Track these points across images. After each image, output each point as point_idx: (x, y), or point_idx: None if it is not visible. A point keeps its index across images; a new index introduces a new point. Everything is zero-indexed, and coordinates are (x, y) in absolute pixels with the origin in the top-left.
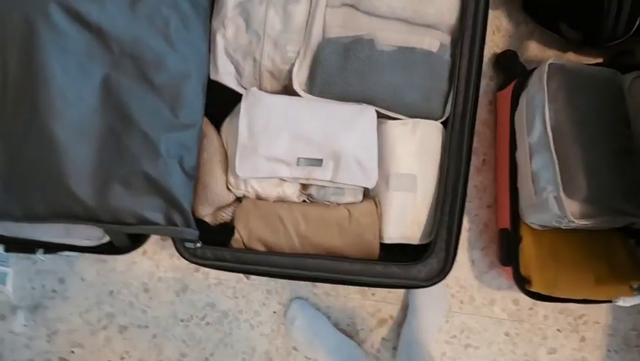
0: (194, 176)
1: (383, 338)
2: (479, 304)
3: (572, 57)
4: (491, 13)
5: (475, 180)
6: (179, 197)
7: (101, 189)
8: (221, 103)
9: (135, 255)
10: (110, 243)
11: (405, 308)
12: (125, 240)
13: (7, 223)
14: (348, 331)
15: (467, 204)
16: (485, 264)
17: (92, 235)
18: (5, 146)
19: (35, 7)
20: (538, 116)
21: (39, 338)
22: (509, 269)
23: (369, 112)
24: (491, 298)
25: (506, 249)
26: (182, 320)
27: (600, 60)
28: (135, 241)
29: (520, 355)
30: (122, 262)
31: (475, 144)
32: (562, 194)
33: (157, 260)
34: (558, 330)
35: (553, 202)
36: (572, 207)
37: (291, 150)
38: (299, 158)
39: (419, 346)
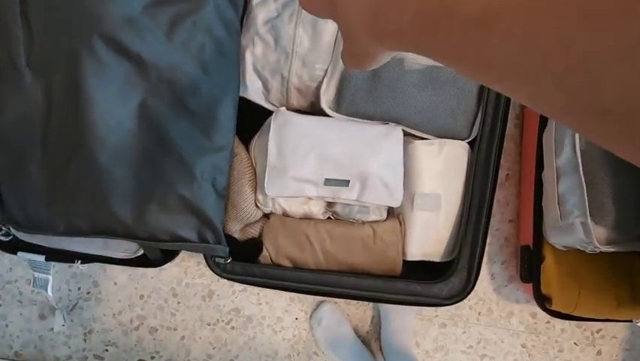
0: (225, 195)
1: None
2: (497, 317)
3: None
4: None
5: (498, 195)
6: (212, 216)
7: (138, 209)
8: (248, 118)
9: None
10: (143, 255)
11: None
12: (159, 254)
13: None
14: (366, 338)
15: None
16: (505, 278)
17: (128, 248)
18: (51, 167)
19: (80, 39)
20: (568, 139)
21: (76, 337)
22: (529, 285)
23: (396, 132)
24: (509, 311)
25: (528, 266)
26: (208, 324)
27: None
28: (167, 255)
29: None
30: (152, 269)
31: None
32: (589, 220)
33: (185, 267)
34: (575, 343)
35: (580, 228)
36: (599, 233)
37: (318, 171)
38: (326, 178)
39: (397, 348)
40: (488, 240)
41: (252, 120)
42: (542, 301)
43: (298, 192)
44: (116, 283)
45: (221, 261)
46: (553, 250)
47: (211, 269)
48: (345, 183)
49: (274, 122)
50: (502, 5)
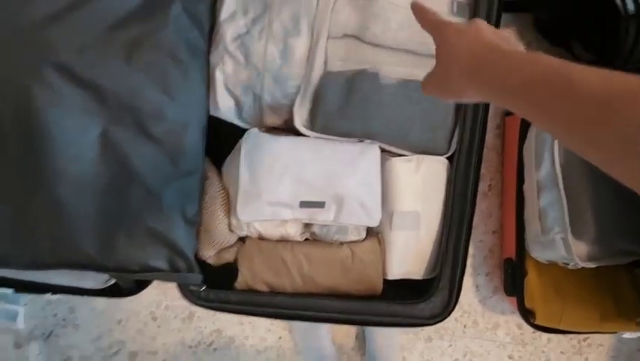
0: (197, 221)
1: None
2: (483, 328)
3: None
4: None
5: (481, 206)
6: (183, 245)
7: (105, 241)
8: (221, 137)
9: None
10: (115, 284)
11: None
12: (131, 283)
13: None
14: (351, 355)
15: (472, 230)
16: (489, 289)
17: (99, 277)
18: (12, 203)
19: (31, 70)
20: (547, 153)
21: None
22: (514, 298)
23: (373, 150)
24: (495, 322)
25: (511, 280)
26: (190, 346)
27: None
28: (141, 283)
29: None
30: None
31: (481, 170)
32: (569, 236)
33: (163, 289)
34: (561, 352)
35: (561, 243)
36: (580, 249)
37: (293, 193)
38: (301, 201)
39: None
40: (472, 252)
41: (226, 139)
42: (527, 315)
43: (273, 216)
44: (93, 308)
45: (196, 289)
46: (536, 263)
47: (185, 298)
48: (321, 204)
49: (245, 145)
50: (625, 90)
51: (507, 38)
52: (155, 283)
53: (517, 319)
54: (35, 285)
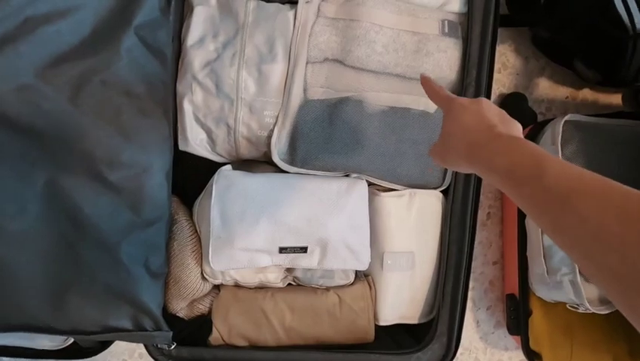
0: (164, 272)
1: None
2: None
3: (587, 94)
4: (496, 49)
5: (480, 236)
6: (147, 301)
7: (56, 302)
8: (192, 171)
9: None
10: (75, 343)
11: None
12: (93, 342)
13: None
14: None
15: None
16: (491, 324)
17: (55, 337)
18: None
19: None
20: None
21: None
22: (517, 336)
23: (359, 186)
24: (498, 360)
25: (514, 318)
26: None
27: (618, 95)
28: (104, 342)
29: None
30: None
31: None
32: (579, 279)
33: (128, 342)
34: None
35: (569, 287)
36: (590, 293)
37: (271, 239)
38: (280, 247)
39: None
40: (472, 285)
41: (199, 175)
42: (532, 357)
43: (250, 263)
44: None
45: (165, 347)
46: (541, 303)
47: (153, 358)
48: (303, 250)
49: (216, 186)
50: (583, 192)
51: (507, 121)
52: None
53: (521, 355)
54: None
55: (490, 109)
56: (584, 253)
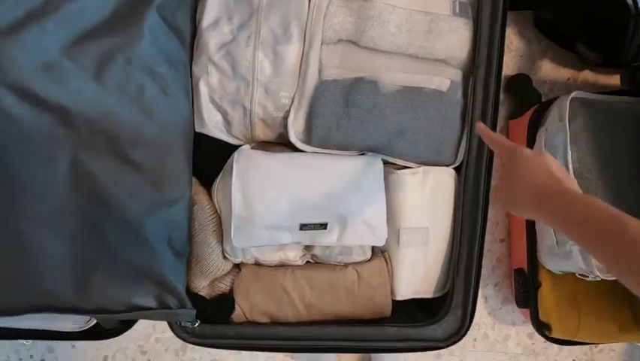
0: (187, 251)
1: None
2: (493, 341)
3: (588, 76)
4: None
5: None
6: (171, 279)
7: (80, 282)
8: (209, 155)
9: None
10: (97, 325)
11: None
12: (116, 323)
13: None
14: None
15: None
16: (499, 300)
17: (78, 318)
18: None
19: None
20: (560, 158)
21: None
22: (525, 309)
23: (375, 165)
24: (505, 334)
25: (523, 292)
26: None
27: (618, 76)
28: (126, 322)
29: None
30: None
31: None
32: None
33: (152, 321)
34: (573, 360)
35: (578, 256)
36: None
37: (291, 216)
38: (301, 224)
39: None
40: None
41: (215, 157)
42: (541, 328)
43: (271, 241)
44: (74, 346)
45: (188, 325)
46: (549, 275)
47: (177, 335)
48: (323, 226)
49: (236, 165)
50: None
51: (569, 176)
52: None
53: (528, 329)
54: (4, 331)
55: (553, 163)
56: None
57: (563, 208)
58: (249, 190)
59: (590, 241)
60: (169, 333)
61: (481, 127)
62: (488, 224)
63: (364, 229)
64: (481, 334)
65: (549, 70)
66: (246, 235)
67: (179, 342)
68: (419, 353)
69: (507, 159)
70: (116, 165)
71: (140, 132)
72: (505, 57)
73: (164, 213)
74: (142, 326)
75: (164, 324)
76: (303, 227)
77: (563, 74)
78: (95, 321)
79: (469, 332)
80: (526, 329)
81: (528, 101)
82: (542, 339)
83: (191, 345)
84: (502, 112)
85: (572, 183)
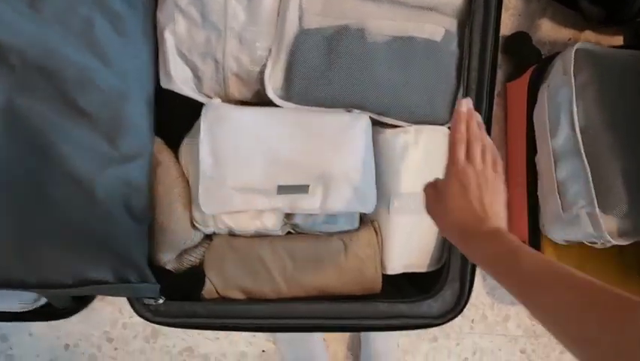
0: (148, 218)
1: None
2: (492, 322)
3: (590, 36)
4: None
5: None
6: (130, 249)
7: (21, 251)
8: (178, 115)
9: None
10: (48, 305)
11: None
12: (67, 301)
13: None
14: None
15: None
16: None
17: (25, 297)
18: None
19: None
20: (564, 116)
21: None
22: None
23: (362, 121)
24: (505, 315)
25: None
26: None
27: (620, 36)
28: (80, 301)
29: None
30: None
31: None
32: (597, 210)
33: (119, 304)
34: None
35: (587, 220)
36: (610, 224)
37: (268, 176)
38: (279, 186)
39: None
40: None
41: (183, 117)
42: None
43: (245, 206)
44: (31, 334)
45: (152, 302)
46: (552, 247)
47: (139, 315)
48: (304, 189)
49: (205, 120)
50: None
51: (496, 213)
52: (109, 298)
53: None
54: None
55: (486, 196)
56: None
57: (477, 247)
58: (220, 147)
59: (498, 280)
60: (138, 318)
61: (460, 111)
62: None
63: (351, 194)
64: (480, 315)
65: (549, 30)
66: (216, 199)
67: (149, 328)
68: (413, 338)
69: (447, 176)
70: (61, 112)
71: (89, 75)
72: (502, 16)
73: (119, 171)
74: (108, 310)
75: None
76: (282, 190)
77: (564, 34)
78: (42, 301)
79: (467, 313)
80: (526, 310)
81: (527, 61)
82: None
83: (163, 332)
84: (500, 76)
85: (495, 217)
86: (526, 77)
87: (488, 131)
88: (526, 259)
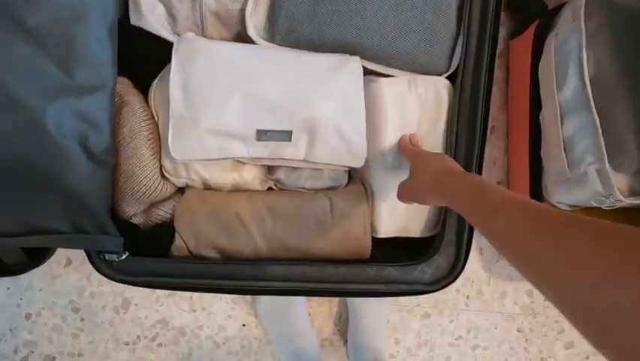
0: (109, 161)
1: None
2: (488, 299)
3: None
4: None
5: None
6: (87, 194)
7: None
8: (149, 56)
9: (56, 267)
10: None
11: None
12: (18, 255)
13: None
14: (333, 341)
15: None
16: (494, 252)
17: None
18: None
19: None
20: (573, 65)
21: None
22: None
23: (353, 64)
24: (502, 291)
25: None
26: (126, 343)
27: None
28: (36, 255)
29: (535, 352)
30: (41, 277)
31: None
32: (607, 166)
33: (87, 271)
34: None
35: (595, 177)
36: (620, 182)
37: (246, 120)
38: (259, 130)
39: (367, 350)
40: None
41: (155, 59)
42: None
43: (220, 153)
44: None
45: (114, 257)
46: None
47: (97, 270)
48: (287, 135)
49: (176, 54)
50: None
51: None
52: (76, 263)
53: (527, 285)
54: None
55: (448, 159)
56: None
57: (447, 187)
58: (193, 83)
59: (462, 209)
60: (108, 286)
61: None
62: (485, 165)
63: (339, 143)
64: (475, 291)
65: None
66: (188, 142)
67: (120, 298)
68: (405, 314)
69: (413, 162)
70: (3, 28)
71: None
72: None
73: (73, 102)
74: (74, 277)
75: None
76: (262, 136)
77: None
78: None
79: (462, 288)
80: (525, 285)
81: (532, 16)
82: (542, 297)
83: (135, 302)
84: (502, 33)
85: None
86: (531, 30)
87: (491, 85)
88: (491, 190)
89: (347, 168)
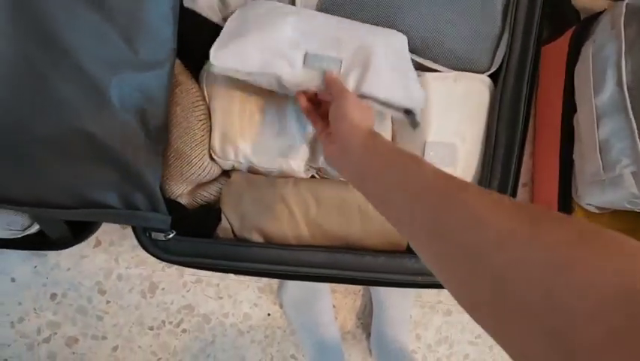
0: (164, 138)
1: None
2: None
3: None
4: None
5: None
6: (142, 170)
7: (16, 158)
8: (200, 42)
9: (84, 247)
10: (40, 233)
11: None
12: (63, 229)
13: None
14: (355, 333)
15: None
16: None
17: (13, 220)
18: None
19: None
20: (611, 71)
21: None
22: None
23: (401, 38)
24: None
25: None
26: (151, 328)
27: None
28: (80, 231)
29: None
30: (68, 257)
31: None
32: None
33: (115, 253)
34: None
35: (630, 179)
36: None
37: (297, 40)
38: (308, 53)
39: (390, 342)
40: None
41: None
42: None
43: (262, 67)
44: (13, 280)
45: (161, 236)
46: (585, 213)
47: (144, 248)
48: (337, 63)
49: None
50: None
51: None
52: (104, 244)
53: None
54: None
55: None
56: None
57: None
58: (249, 14)
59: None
60: (135, 269)
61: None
62: None
63: (393, 80)
64: None
65: None
66: (231, 51)
67: (147, 282)
68: (427, 310)
69: (336, 100)
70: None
71: None
72: None
73: (136, 76)
74: (102, 258)
75: (130, 258)
76: (310, 59)
77: (600, 4)
78: (34, 228)
79: None
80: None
81: (565, 23)
82: None
83: (162, 286)
84: None
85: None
86: (567, 35)
87: (534, 85)
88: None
89: (403, 111)
